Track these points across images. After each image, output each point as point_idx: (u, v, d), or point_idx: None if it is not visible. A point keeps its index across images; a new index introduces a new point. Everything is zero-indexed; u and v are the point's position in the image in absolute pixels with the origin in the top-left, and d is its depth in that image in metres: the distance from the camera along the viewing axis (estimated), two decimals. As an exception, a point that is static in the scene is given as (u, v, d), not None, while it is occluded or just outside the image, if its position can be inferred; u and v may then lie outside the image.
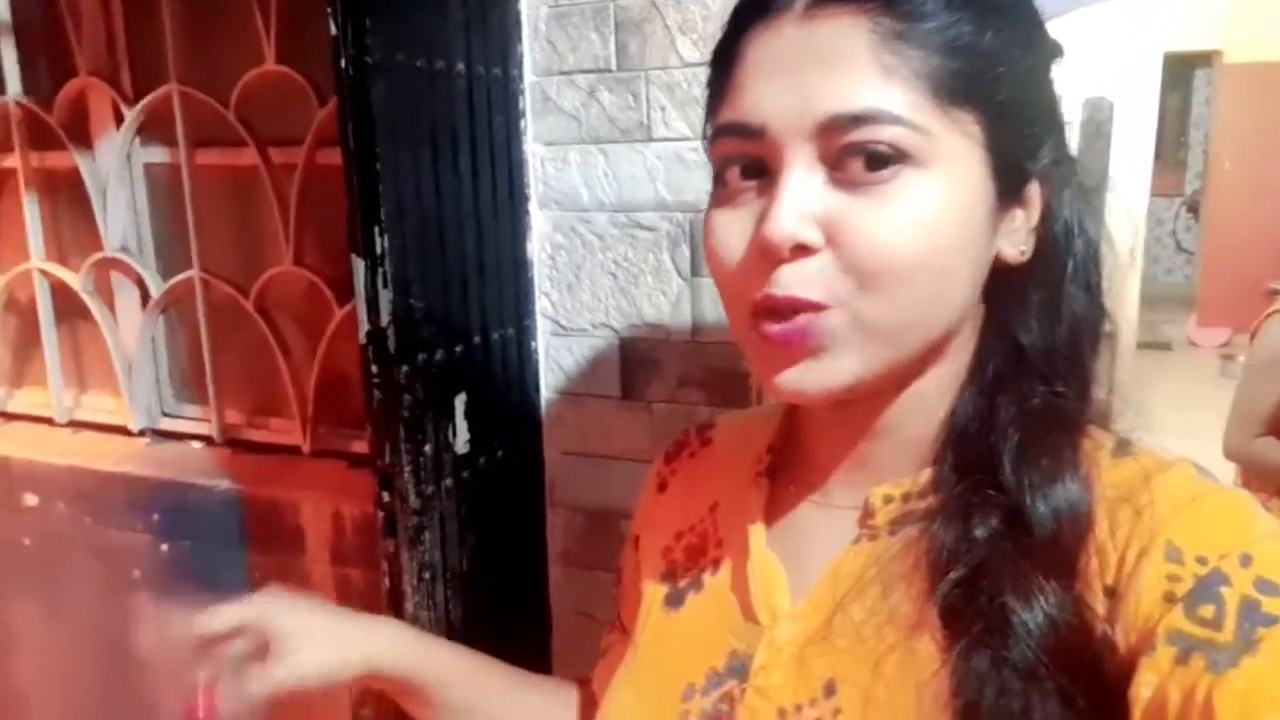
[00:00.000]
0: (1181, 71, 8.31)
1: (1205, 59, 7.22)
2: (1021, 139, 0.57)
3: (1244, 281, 6.05)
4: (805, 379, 0.55)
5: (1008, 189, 0.56)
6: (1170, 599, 0.49)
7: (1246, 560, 0.49)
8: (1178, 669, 0.48)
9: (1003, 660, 0.52)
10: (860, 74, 0.52)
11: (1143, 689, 0.49)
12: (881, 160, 0.52)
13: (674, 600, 0.70)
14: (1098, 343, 0.61)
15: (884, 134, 0.51)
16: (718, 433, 0.79)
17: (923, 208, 0.52)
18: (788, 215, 0.52)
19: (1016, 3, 0.57)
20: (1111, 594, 0.52)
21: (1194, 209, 8.28)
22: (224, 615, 0.73)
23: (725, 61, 0.58)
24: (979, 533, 0.55)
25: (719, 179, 0.59)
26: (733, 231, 0.57)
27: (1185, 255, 8.96)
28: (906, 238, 0.52)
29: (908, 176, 0.52)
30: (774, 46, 0.54)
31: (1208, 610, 0.48)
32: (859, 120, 0.51)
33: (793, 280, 0.53)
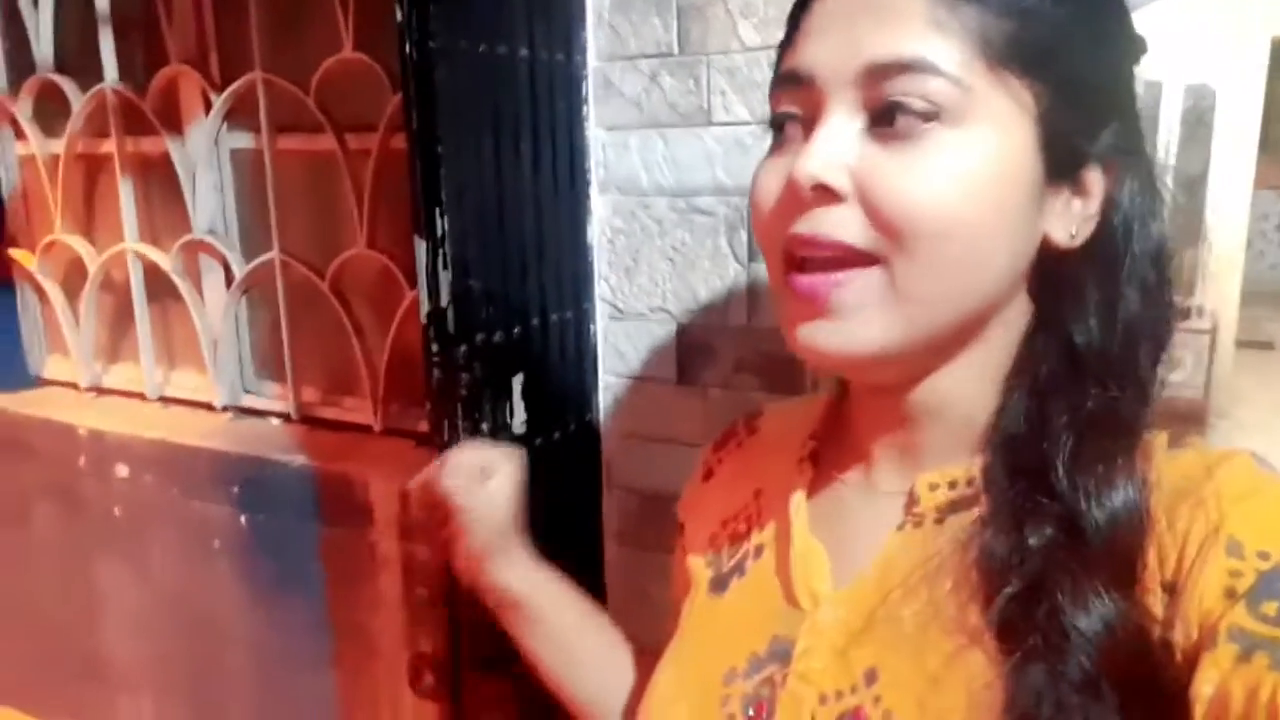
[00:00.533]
0: (1293, 57, 7.92)
1: (1319, 43, 6.86)
2: (1079, 118, 0.55)
3: (1356, 278, 5.74)
4: (827, 339, 0.55)
5: (1058, 167, 0.55)
6: (1231, 594, 0.48)
7: None
8: (1240, 667, 0.47)
9: (1060, 674, 0.51)
10: (909, 25, 0.52)
11: (1205, 686, 0.48)
12: (919, 113, 0.52)
13: (718, 586, 0.71)
14: (1159, 346, 0.59)
15: (924, 85, 0.51)
16: (765, 420, 0.80)
17: (955, 165, 0.52)
18: (816, 158, 0.53)
19: None
20: (1171, 590, 0.51)
21: (1304, 201, 7.88)
22: (477, 454, 0.87)
23: (793, 19, 0.59)
24: (1033, 541, 0.54)
25: (774, 131, 0.60)
26: (771, 176, 0.58)
27: (1293, 250, 8.53)
28: (935, 193, 0.52)
29: (944, 132, 0.52)
30: (832, 4, 0.55)
31: (1271, 607, 0.47)
32: (900, 67, 0.52)
33: (821, 221, 0.54)
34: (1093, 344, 0.57)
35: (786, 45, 0.59)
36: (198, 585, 1.73)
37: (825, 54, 0.54)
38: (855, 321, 0.54)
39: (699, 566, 0.74)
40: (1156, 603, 0.52)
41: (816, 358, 0.57)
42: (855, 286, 0.54)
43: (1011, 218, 0.54)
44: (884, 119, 0.53)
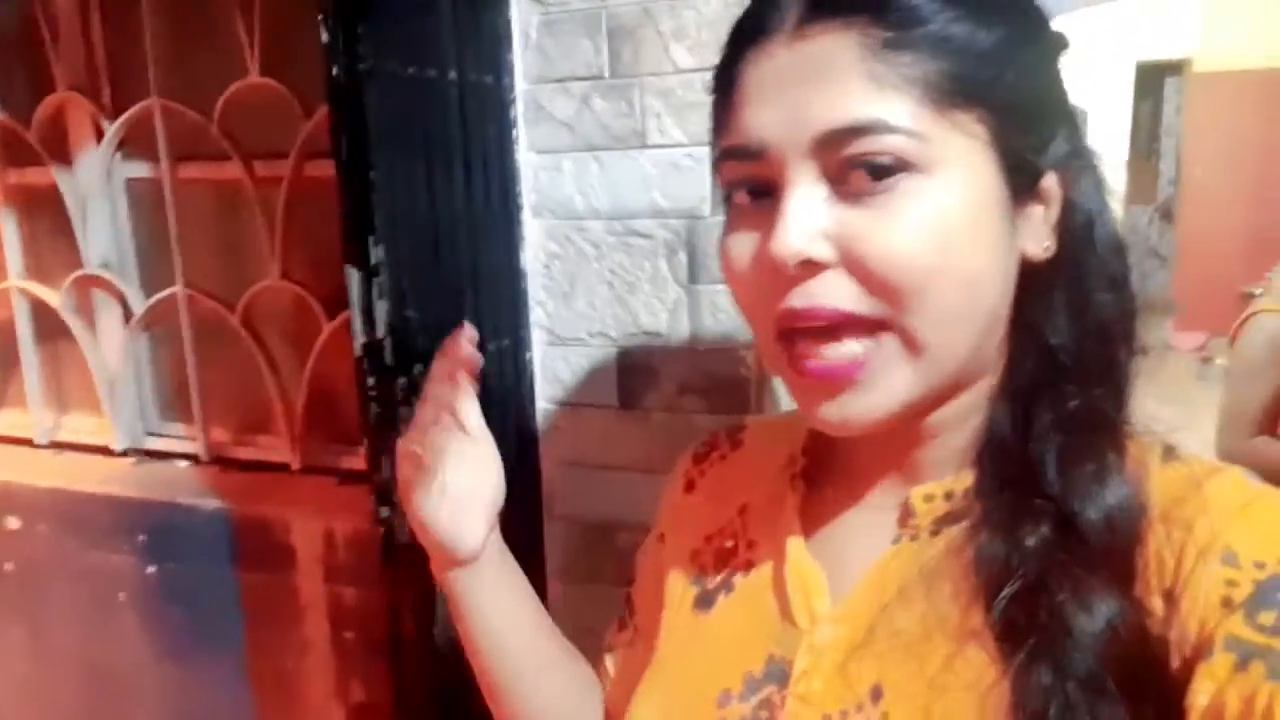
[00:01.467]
0: (1153, 80, 8.39)
1: (1176, 68, 7.30)
2: (1030, 133, 0.56)
3: (1219, 285, 6.11)
4: (849, 412, 0.55)
5: (1022, 185, 0.56)
6: (1228, 604, 0.49)
7: None
8: (1236, 676, 0.47)
9: (1065, 672, 0.51)
10: (850, 86, 0.51)
11: (1199, 696, 0.48)
12: (883, 170, 0.51)
13: (703, 603, 0.69)
14: (1131, 339, 0.59)
15: (880, 144, 0.51)
16: (748, 435, 0.78)
17: (930, 213, 0.52)
18: (793, 232, 0.52)
19: None
20: (1168, 598, 0.51)
21: (1168, 216, 8.35)
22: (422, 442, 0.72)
23: (724, 85, 0.58)
24: (1030, 542, 0.54)
25: (729, 202, 0.59)
26: (744, 252, 0.56)
27: (1160, 261, 9.02)
28: (918, 245, 0.51)
29: (911, 183, 0.51)
30: (766, 67, 0.54)
31: (1268, 617, 0.48)
32: (852, 132, 0.51)
33: (815, 290, 0.53)
34: (1067, 344, 0.58)
35: (723, 111, 0.58)
36: (102, 643, 1.62)
37: (773, 125, 0.53)
38: (880, 389, 0.54)
39: (681, 584, 0.72)
40: (1156, 609, 0.52)
41: (845, 430, 0.57)
42: (876, 360, 0.53)
43: (993, 248, 0.55)
44: (849, 179, 0.52)
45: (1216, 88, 6.65)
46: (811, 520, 0.66)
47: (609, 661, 0.81)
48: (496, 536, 0.75)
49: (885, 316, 0.53)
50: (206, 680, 1.55)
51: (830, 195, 0.53)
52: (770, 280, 0.54)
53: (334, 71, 0.97)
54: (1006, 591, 0.54)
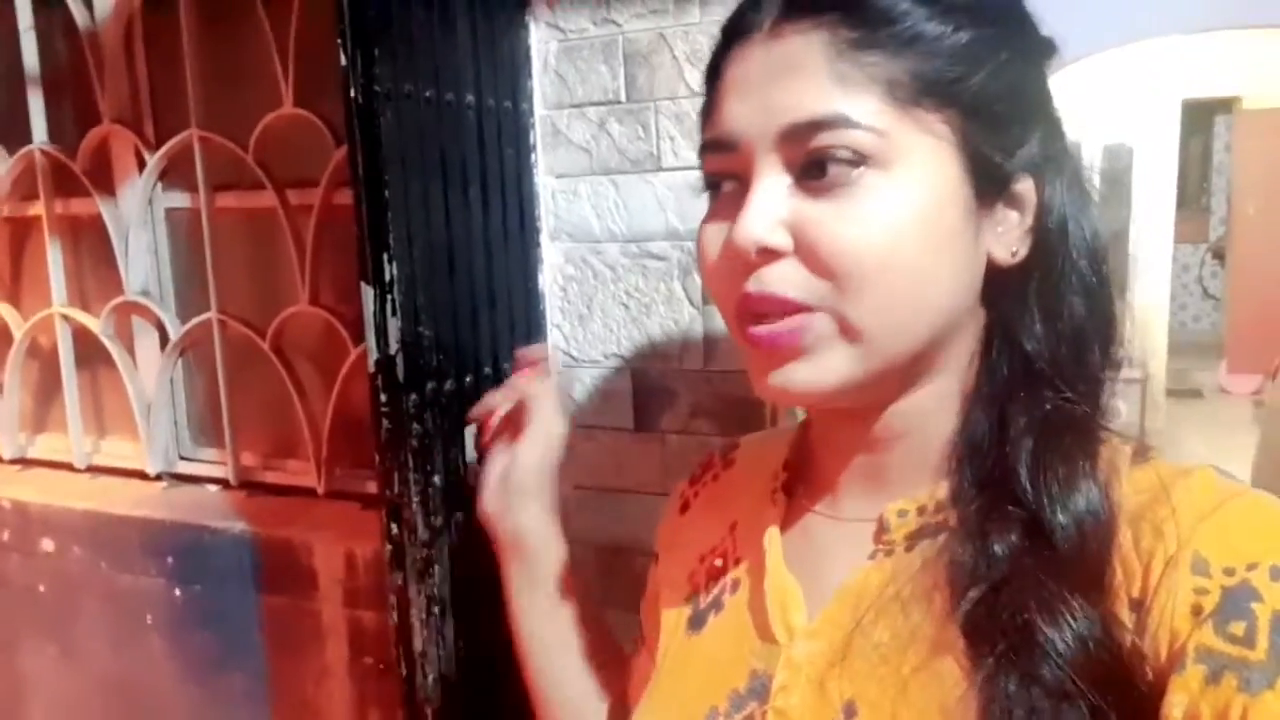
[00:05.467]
0: (1201, 118, 8.30)
1: (1225, 105, 7.21)
2: (1000, 135, 0.56)
3: (1272, 327, 5.96)
4: (791, 379, 0.56)
5: (987, 187, 0.56)
6: (1198, 612, 0.48)
7: (1277, 573, 0.48)
8: (1209, 689, 0.47)
9: (1031, 680, 0.50)
10: (815, 83, 0.53)
11: (1174, 709, 0.48)
12: (842, 164, 0.53)
13: (696, 623, 0.70)
14: (1108, 343, 0.60)
15: (840, 138, 0.53)
16: (740, 453, 0.79)
17: (886, 209, 0.53)
18: (754, 221, 0.54)
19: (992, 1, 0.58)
20: (1138, 606, 0.51)
21: (1219, 255, 8.21)
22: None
23: (710, 80, 0.61)
24: (998, 550, 0.54)
25: (709, 193, 0.61)
26: (715, 239, 0.59)
27: (1212, 301, 8.86)
28: (869, 239, 0.53)
29: (870, 179, 0.53)
30: (744, 65, 0.57)
31: (1238, 627, 0.47)
32: (815, 126, 0.53)
33: (770, 279, 0.55)
34: (1043, 349, 0.58)
35: (707, 106, 0.61)
36: (130, 663, 1.64)
37: (744, 119, 0.56)
38: (819, 359, 0.55)
39: (675, 605, 0.72)
40: (1125, 617, 0.51)
41: (787, 398, 0.59)
42: (813, 330, 0.55)
43: (948, 247, 0.55)
44: (811, 172, 0.54)
45: (1267, 125, 6.54)
46: (791, 535, 0.66)
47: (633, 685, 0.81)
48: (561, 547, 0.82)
49: (826, 301, 0.54)
50: (227, 701, 1.55)
51: (794, 186, 0.55)
52: (733, 265, 0.56)
53: (351, 93, 0.99)
54: (972, 595, 0.53)
